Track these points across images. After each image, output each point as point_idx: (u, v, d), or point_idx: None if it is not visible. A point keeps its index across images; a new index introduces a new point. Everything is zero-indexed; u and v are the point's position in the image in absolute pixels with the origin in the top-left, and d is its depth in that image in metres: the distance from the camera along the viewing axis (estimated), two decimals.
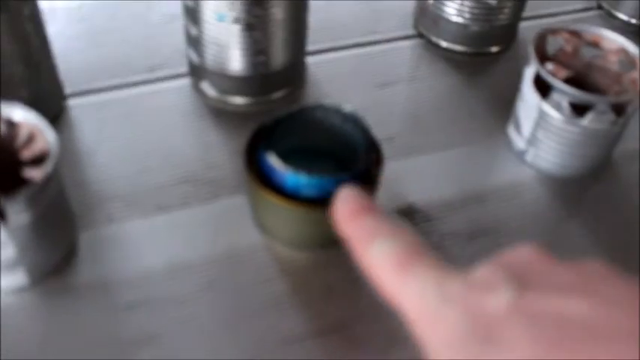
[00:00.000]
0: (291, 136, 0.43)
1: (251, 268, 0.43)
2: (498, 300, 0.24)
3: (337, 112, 0.44)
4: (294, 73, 0.53)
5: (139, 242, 0.44)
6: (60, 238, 0.42)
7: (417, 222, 0.46)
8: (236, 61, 0.50)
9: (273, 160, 0.41)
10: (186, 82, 0.54)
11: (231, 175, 0.47)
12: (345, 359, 0.39)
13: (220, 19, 0.47)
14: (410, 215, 0.46)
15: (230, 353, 0.39)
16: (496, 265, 0.26)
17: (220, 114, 0.52)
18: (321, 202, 0.41)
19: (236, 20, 0.47)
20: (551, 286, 0.24)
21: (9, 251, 0.39)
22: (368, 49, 0.58)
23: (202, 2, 0.47)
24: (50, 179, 0.38)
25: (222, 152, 0.49)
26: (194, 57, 0.51)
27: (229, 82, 0.51)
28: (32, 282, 0.41)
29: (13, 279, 0.41)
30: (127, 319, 0.40)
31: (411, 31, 0.60)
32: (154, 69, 0.54)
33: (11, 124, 0.41)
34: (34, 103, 0.42)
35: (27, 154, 0.40)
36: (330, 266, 0.43)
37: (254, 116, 0.51)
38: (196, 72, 0.52)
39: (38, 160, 0.40)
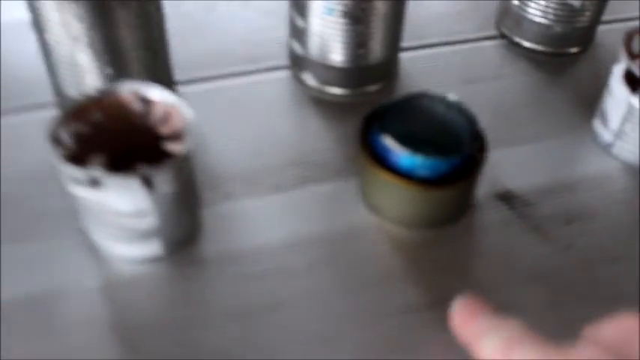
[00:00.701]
0: (399, 122, 0.46)
1: (364, 245, 0.45)
2: None
3: (442, 100, 0.47)
4: (389, 67, 0.56)
5: (258, 218, 0.46)
6: (191, 212, 0.45)
7: (516, 206, 0.48)
8: (338, 53, 0.53)
9: (390, 142, 0.44)
10: (285, 73, 0.57)
11: (337, 159, 0.50)
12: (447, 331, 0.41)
13: (329, 13, 0.50)
14: (508, 200, 0.49)
15: (350, 321, 0.41)
16: (596, 345, 0.28)
17: (319, 103, 0.55)
18: (435, 182, 0.43)
19: (344, 14, 0.50)
20: None
21: (151, 220, 0.41)
22: (453, 47, 0.61)
23: None
24: (191, 153, 0.41)
25: (325, 139, 0.52)
26: (298, 48, 0.54)
27: (330, 73, 0.54)
28: (166, 252, 0.44)
29: (150, 248, 0.43)
30: (254, 288, 0.43)
31: (492, 32, 0.63)
32: (256, 60, 0.57)
33: (147, 102, 0.44)
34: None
35: (165, 129, 0.43)
36: (439, 244, 0.46)
37: (350, 107, 0.54)
38: (298, 63, 0.55)
39: (176, 135, 0.42)
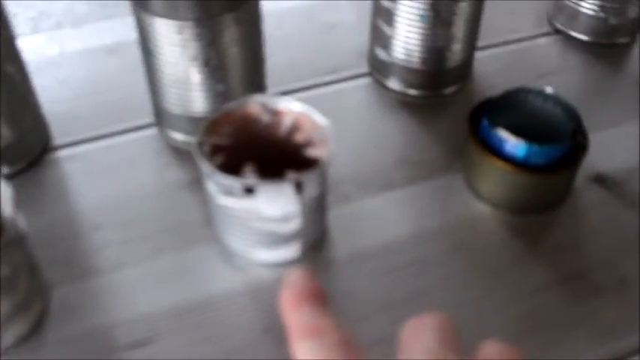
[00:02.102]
0: (504, 115, 0.49)
1: (483, 234, 0.48)
2: None
3: (540, 93, 0.50)
4: (467, 68, 0.59)
5: (378, 217, 0.49)
6: (323, 215, 0.47)
7: (610, 187, 0.52)
8: (423, 57, 0.55)
9: (504, 134, 0.47)
10: (365, 80, 0.59)
11: (438, 155, 0.53)
12: (588, 304, 0.44)
13: (422, 20, 0.53)
14: (602, 182, 0.52)
15: (488, 304, 0.44)
16: None
17: (405, 106, 0.57)
18: (547, 169, 0.46)
19: (434, 18, 0.53)
20: None
21: (295, 224, 0.43)
22: (513, 46, 0.64)
23: (403, 2, 0.53)
24: (330, 159, 0.43)
25: (421, 138, 0.55)
26: (383, 55, 0.57)
27: (414, 77, 0.57)
28: (302, 255, 0.46)
29: (288, 252, 0.45)
30: (390, 282, 0.45)
31: (546, 28, 0.66)
32: (336, 70, 0.60)
33: (275, 113, 0.46)
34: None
35: (300, 137, 0.45)
36: (551, 227, 0.49)
37: (434, 107, 0.56)
38: (383, 69, 0.58)
39: (310, 142, 0.45)
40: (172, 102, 0.51)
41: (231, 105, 0.45)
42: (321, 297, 0.31)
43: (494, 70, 0.61)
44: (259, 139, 0.46)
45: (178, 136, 0.53)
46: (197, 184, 0.50)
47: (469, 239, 0.47)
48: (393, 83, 0.58)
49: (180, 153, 0.53)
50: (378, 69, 0.58)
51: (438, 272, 0.45)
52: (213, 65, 0.49)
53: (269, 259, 0.45)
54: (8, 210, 0.39)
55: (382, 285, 0.45)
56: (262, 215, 0.42)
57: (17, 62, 0.49)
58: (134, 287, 0.44)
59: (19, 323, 0.41)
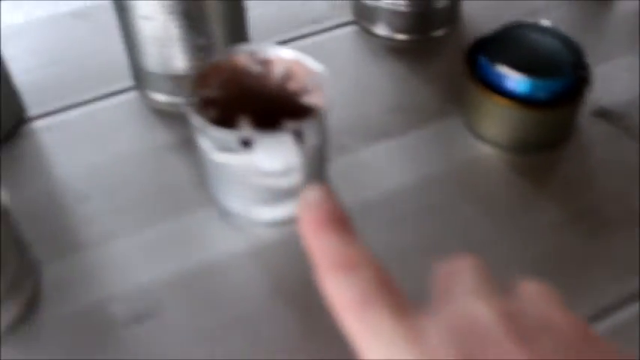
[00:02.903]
0: (502, 51, 0.47)
1: (489, 175, 0.46)
2: None
3: (537, 27, 0.48)
4: (455, 9, 0.57)
5: (378, 166, 0.47)
6: (324, 167, 0.44)
7: (613, 121, 0.50)
8: (407, 0, 0.53)
9: (504, 69, 0.45)
10: (349, 28, 0.57)
11: (432, 100, 0.51)
12: (605, 238, 0.43)
13: None
14: (605, 116, 0.50)
15: (509, 243, 0.42)
16: (449, 332, 0.23)
17: (392, 51, 0.55)
18: (551, 103, 0.44)
19: None
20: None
21: (296, 177, 0.41)
22: None
23: None
24: (329, 105, 0.41)
25: (413, 83, 0.52)
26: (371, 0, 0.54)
27: (401, 20, 0.54)
28: None
29: (289, 207, 0.43)
30: (400, 230, 0.43)
31: None
32: (318, 20, 0.57)
33: (265, 63, 0.43)
34: None
35: (293, 85, 0.42)
36: (559, 163, 0.47)
37: (422, 51, 0.54)
38: (369, 15, 0.55)
39: (305, 89, 0.42)
40: (152, 61, 0.49)
41: (218, 56, 0.43)
42: (347, 221, 0.27)
43: (481, 10, 0.59)
44: (250, 90, 0.43)
45: (160, 97, 0.50)
46: (185, 145, 0.47)
47: (475, 183, 0.46)
48: (380, 29, 0.55)
49: (163, 115, 0.50)
50: (364, 15, 0.56)
51: (448, 218, 0.44)
52: (193, 17, 0.46)
53: (270, 218, 0.43)
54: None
55: (393, 235, 0.43)
56: (261, 170, 0.40)
57: None
58: (129, 258, 0.42)
59: (11, 305, 0.38)
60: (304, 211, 0.27)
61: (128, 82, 0.52)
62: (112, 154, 0.47)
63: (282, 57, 0.43)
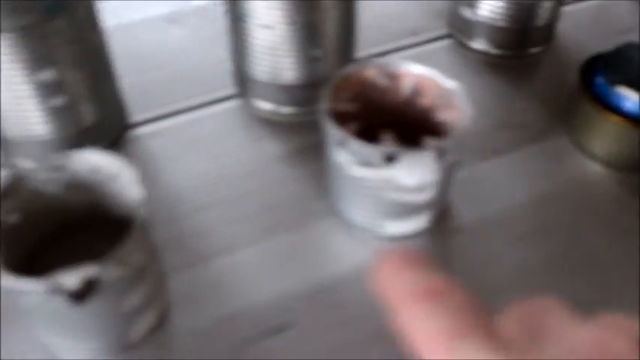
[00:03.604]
0: (615, 71, 0.47)
1: (602, 194, 0.46)
2: None
3: None
4: (552, 26, 0.57)
5: (494, 182, 0.47)
6: (451, 185, 0.44)
7: None
8: (509, 15, 0.53)
9: (622, 89, 0.45)
10: (445, 42, 0.57)
11: (539, 119, 0.51)
12: None
13: None
14: None
15: (625, 264, 0.42)
16: None
17: (489, 67, 0.55)
18: None
19: None
20: None
21: (430, 193, 0.41)
22: (588, 3, 0.62)
23: None
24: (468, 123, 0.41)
25: (515, 101, 0.52)
26: (468, 13, 0.54)
27: (500, 36, 0.55)
28: (430, 225, 0.43)
29: (417, 222, 0.43)
30: (520, 247, 0.43)
31: None
32: (415, 33, 0.57)
33: (394, 77, 0.43)
34: None
35: (424, 100, 0.42)
36: None
37: (518, 69, 0.55)
38: (467, 28, 0.55)
39: (436, 106, 0.42)
40: (261, 70, 0.48)
41: (348, 69, 0.42)
42: (426, 261, 0.24)
43: (574, 28, 0.59)
44: (376, 104, 0.43)
45: (266, 106, 0.50)
46: (297, 155, 0.47)
47: (588, 201, 0.46)
48: (478, 43, 0.55)
49: (269, 124, 0.50)
50: (461, 29, 0.56)
51: (565, 236, 0.44)
52: (312, 28, 0.45)
53: (397, 232, 0.43)
54: (136, 192, 0.35)
55: (516, 252, 0.43)
56: (398, 185, 0.39)
57: (100, 33, 0.45)
58: (255, 269, 0.41)
59: (149, 314, 0.38)
60: (380, 259, 0.25)
61: (229, 89, 0.51)
62: (222, 163, 0.47)
63: (411, 72, 0.42)
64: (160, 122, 0.50)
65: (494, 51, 0.55)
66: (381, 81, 0.43)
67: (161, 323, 0.39)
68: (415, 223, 0.42)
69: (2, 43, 0.40)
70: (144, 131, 0.49)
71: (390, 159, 0.38)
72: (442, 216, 0.44)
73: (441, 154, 0.39)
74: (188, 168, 0.46)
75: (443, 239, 0.43)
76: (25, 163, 0.37)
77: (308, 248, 0.42)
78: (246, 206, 0.44)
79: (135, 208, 0.35)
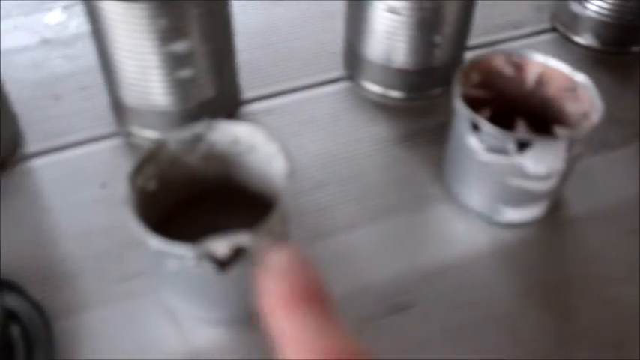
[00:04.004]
0: None
1: None
2: None
3: None
4: None
5: (603, 175, 0.47)
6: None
7: None
8: (619, 10, 0.53)
9: None
10: (547, 36, 0.57)
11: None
12: None
13: None
14: None
15: None
16: None
17: (594, 63, 0.55)
18: None
19: None
20: None
21: (552, 182, 0.41)
22: None
23: None
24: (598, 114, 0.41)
25: (622, 96, 0.52)
26: (577, 8, 0.55)
27: (609, 31, 0.55)
28: (544, 214, 0.44)
29: (534, 210, 0.43)
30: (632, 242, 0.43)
31: None
32: (517, 26, 0.57)
33: (518, 66, 0.43)
34: None
35: (549, 90, 0.43)
36: None
37: (623, 65, 0.55)
38: (573, 23, 0.56)
39: (559, 97, 0.42)
40: (375, 53, 0.49)
41: (477, 57, 0.43)
42: (325, 297, 0.20)
43: None
44: (502, 92, 0.44)
45: (376, 89, 0.51)
46: (409, 140, 0.48)
47: None
48: (583, 38, 0.55)
49: (379, 107, 0.50)
50: (567, 23, 0.56)
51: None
52: (437, 15, 0.46)
53: (513, 219, 0.43)
54: (281, 164, 0.36)
55: (627, 246, 0.43)
56: (525, 173, 0.40)
57: (230, 6, 0.46)
58: (372, 249, 0.42)
59: None
60: (269, 281, 0.20)
61: (338, 70, 0.52)
62: (338, 142, 0.48)
63: (537, 61, 0.43)
64: (272, 100, 0.50)
65: (598, 47, 0.56)
66: (507, 70, 0.43)
67: None
68: (532, 212, 0.43)
69: (139, 13, 0.41)
70: (257, 108, 0.50)
71: (522, 146, 0.39)
72: (555, 206, 0.44)
73: (571, 144, 0.39)
74: (303, 146, 0.47)
75: (555, 229, 0.44)
76: (167, 133, 0.38)
77: (424, 230, 0.43)
78: (363, 186, 0.45)
79: (280, 180, 0.36)
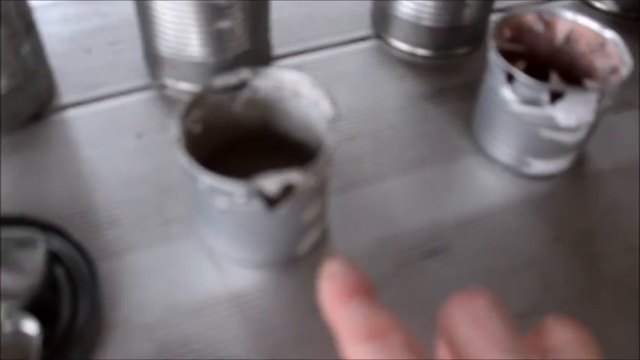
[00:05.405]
0: None
1: None
2: None
3: None
4: None
5: (626, 132, 0.49)
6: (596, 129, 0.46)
7: None
8: None
9: None
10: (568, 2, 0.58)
11: None
12: None
13: None
14: None
15: None
16: None
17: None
18: None
19: None
20: None
21: (582, 134, 0.43)
22: None
23: None
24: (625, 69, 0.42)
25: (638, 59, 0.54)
26: None
27: None
28: (570, 167, 0.45)
29: (561, 163, 0.45)
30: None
31: None
32: None
33: (549, 23, 0.45)
34: None
35: (579, 47, 0.44)
36: None
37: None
38: None
39: (586, 53, 0.44)
40: (406, 10, 0.50)
41: (509, 13, 0.44)
42: (372, 291, 0.24)
43: None
44: (533, 47, 0.45)
45: (404, 47, 0.52)
46: (437, 96, 0.49)
47: None
48: (605, 4, 0.57)
49: (406, 65, 0.52)
50: None
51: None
52: None
53: (541, 170, 0.45)
54: (327, 108, 0.37)
55: None
56: (556, 124, 0.41)
57: None
58: (404, 198, 0.44)
59: (316, 229, 0.40)
60: (326, 282, 0.25)
61: (365, 29, 0.53)
62: (367, 97, 0.49)
63: (567, 19, 0.44)
64: (301, 56, 0.51)
65: (619, 12, 0.57)
66: (538, 26, 0.45)
67: (322, 241, 0.41)
68: (559, 164, 0.44)
69: None
70: (287, 63, 0.51)
71: (555, 97, 0.40)
72: (579, 161, 0.46)
73: (602, 97, 0.40)
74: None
75: (580, 182, 0.45)
76: (212, 79, 0.39)
77: (454, 181, 0.45)
78: (393, 138, 0.46)
79: (326, 124, 0.37)
